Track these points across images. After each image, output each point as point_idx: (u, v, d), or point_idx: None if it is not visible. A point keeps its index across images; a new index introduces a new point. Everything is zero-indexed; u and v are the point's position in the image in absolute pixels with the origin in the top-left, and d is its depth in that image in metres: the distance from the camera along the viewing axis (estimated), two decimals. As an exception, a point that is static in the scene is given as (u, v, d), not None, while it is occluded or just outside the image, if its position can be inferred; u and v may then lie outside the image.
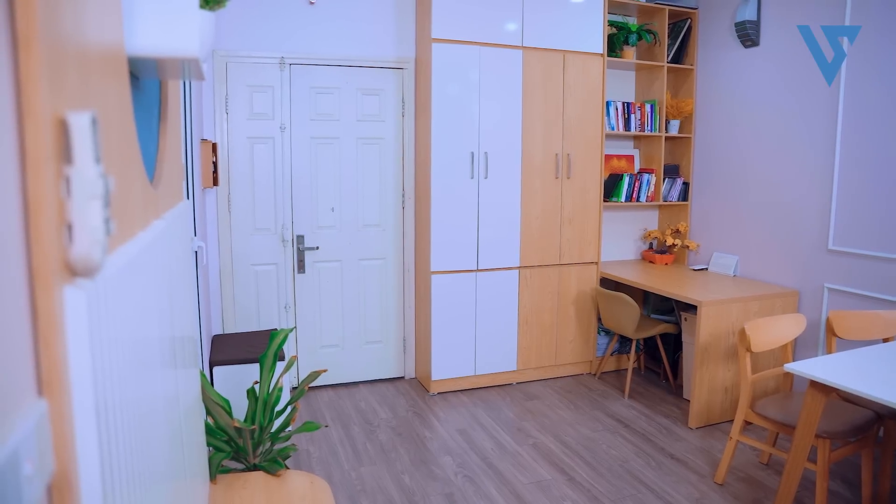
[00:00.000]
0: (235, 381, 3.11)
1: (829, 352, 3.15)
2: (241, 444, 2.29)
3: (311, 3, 4.06)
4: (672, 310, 4.61)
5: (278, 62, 4.04)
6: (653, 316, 4.72)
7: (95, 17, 0.78)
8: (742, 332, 2.94)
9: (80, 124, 0.62)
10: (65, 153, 0.62)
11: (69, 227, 0.61)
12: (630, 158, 4.92)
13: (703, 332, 3.69)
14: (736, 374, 3.83)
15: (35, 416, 0.54)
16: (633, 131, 4.67)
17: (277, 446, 2.45)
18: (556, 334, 4.56)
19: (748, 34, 4.13)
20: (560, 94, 4.36)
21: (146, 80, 1.23)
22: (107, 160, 0.75)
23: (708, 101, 4.62)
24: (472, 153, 4.17)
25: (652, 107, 4.70)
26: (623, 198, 4.70)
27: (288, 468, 2.23)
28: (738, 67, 4.33)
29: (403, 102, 4.35)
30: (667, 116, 4.74)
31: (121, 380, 0.75)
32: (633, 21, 4.82)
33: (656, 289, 4.04)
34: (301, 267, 4.26)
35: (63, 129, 0.61)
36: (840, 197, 3.64)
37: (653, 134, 4.70)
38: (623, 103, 4.66)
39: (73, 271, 0.63)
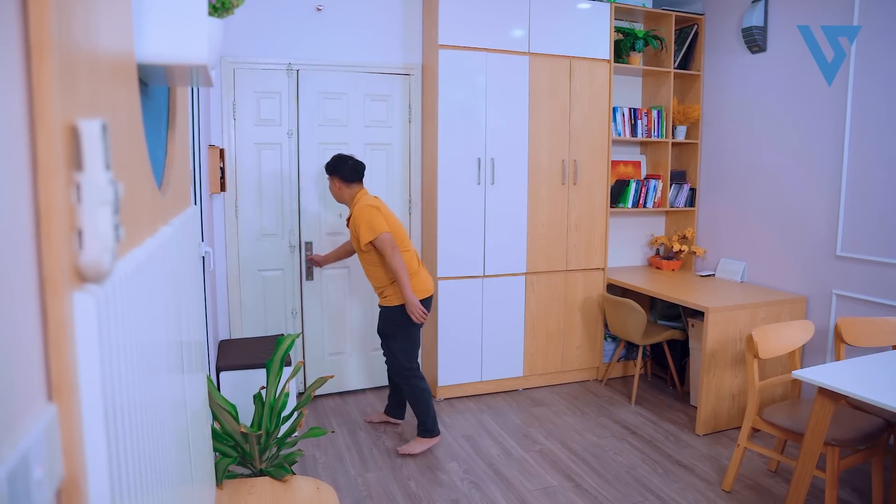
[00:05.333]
0: (242, 387, 3.11)
1: (838, 358, 3.12)
2: (247, 450, 2.29)
3: (319, 10, 4.08)
4: (679, 316, 4.59)
5: (286, 68, 4.06)
6: (660, 322, 4.70)
7: (106, 26, 0.79)
8: (749, 339, 2.93)
9: (90, 131, 0.62)
10: (75, 160, 0.62)
11: (79, 233, 0.62)
12: (637, 164, 4.92)
13: (711, 339, 3.67)
14: (743, 380, 3.81)
15: (45, 420, 0.54)
16: (639, 137, 4.67)
17: (284, 452, 2.45)
18: (562, 340, 4.55)
19: (755, 40, 4.13)
20: (567, 101, 4.36)
21: (155, 86, 1.24)
22: (116, 167, 0.76)
23: (715, 107, 4.61)
24: (479, 159, 4.17)
25: (659, 113, 4.70)
26: (630, 204, 4.69)
27: (294, 474, 2.23)
28: (745, 73, 4.32)
29: (410, 108, 4.36)
30: (673, 122, 4.73)
31: (129, 384, 0.76)
32: (639, 27, 4.82)
33: (663, 295, 4.03)
34: (309, 273, 4.27)
35: (74, 137, 0.62)
36: (848, 202, 3.62)
37: (659, 140, 4.70)
38: (630, 109, 4.65)
39: (83, 277, 0.64)
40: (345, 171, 3.39)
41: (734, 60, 4.41)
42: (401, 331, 3.41)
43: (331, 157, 3.46)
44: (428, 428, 3.50)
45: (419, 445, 3.49)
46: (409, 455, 3.45)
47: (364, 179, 4.29)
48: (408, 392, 3.48)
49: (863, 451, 2.78)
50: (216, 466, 2.08)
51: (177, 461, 1.11)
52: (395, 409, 3.85)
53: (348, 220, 3.44)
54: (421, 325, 3.44)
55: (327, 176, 3.46)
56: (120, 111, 0.85)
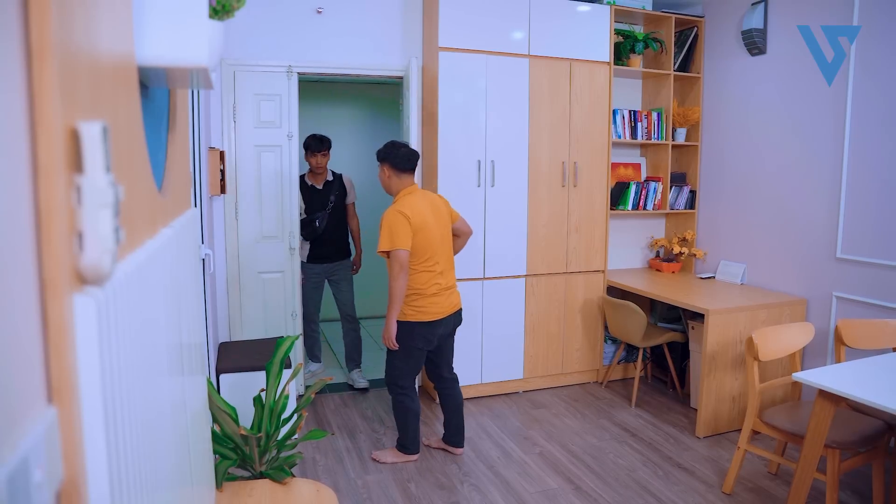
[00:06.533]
0: (242, 389, 3.11)
1: (838, 361, 3.12)
2: (247, 452, 2.29)
3: (319, 12, 4.08)
4: (679, 318, 4.59)
5: (286, 71, 4.06)
6: (660, 324, 4.70)
7: (107, 28, 0.79)
8: (750, 341, 2.93)
9: (91, 134, 0.62)
10: (76, 162, 0.62)
11: (79, 236, 0.62)
12: (637, 166, 4.92)
13: (711, 341, 3.67)
14: (744, 382, 3.80)
15: (45, 423, 0.54)
16: (639, 139, 4.67)
17: (283, 454, 2.44)
18: (562, 343, 4.54)
19: (755, 42, 4.13)
20: (567, 103, 4.37)
21: (155, 88, 1.24)
22: (116, 169, 0.76)
23: (715, 110, 4.62)
24: (479, 161, 4.17)
25: (659, 115, 4.70)
26: (630, 206, 4.69)
27: (294, 476, 2.23)
28: (744, 75, 4.33)
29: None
30: (673, 124, 4.73)
31: (129, 387, 0.76)
32: (639, 29, 4.83)
33: (663, 297, 4.03)
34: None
35: (74, 139, 0.62)
36: (848, 204, 3.62)
37: (659, 142, 4.70)
38: (630, 111, 4.66)
39: (83, 279, 0.64)
40: (397, 158, 3.18)
41: (734, 63, 4.41)
42: (400, 348, 3.21)
43: (384, 143, 3.30)
44: (404, 444, 3.38)
45: (391, 456, 3.39)
46: (380, 461, 3.38)
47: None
48: (393, 406, 3.35)
49: (863, 453, 2.78)
50: (216, 469, 2.08)
51: (177, 463, 1.10)
52: (453, 437, 3.51)
53: None
54: (424, 347, 3.23)
55: (378, 163, 3.27)
56: (120, 113, 0.85)
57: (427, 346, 3.24)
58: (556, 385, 4.59)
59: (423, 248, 3.13)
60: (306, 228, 4.36)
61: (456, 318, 3.35)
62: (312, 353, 4.67)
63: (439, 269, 3.21)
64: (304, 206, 4.44)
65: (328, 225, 4.42)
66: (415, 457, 3.41)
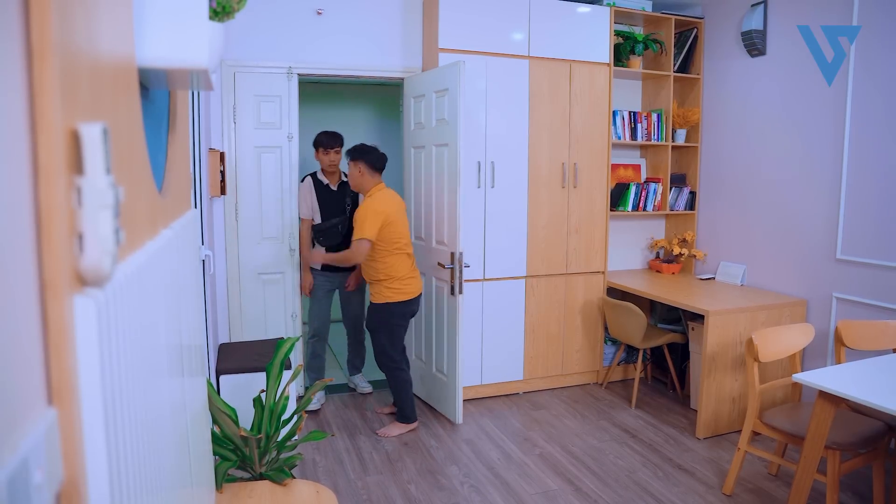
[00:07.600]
0: (242, 390, 3.10)
1: (838, 362, 3.12)
2: (247, 453, 2.29)
3: (319, 14, 4.08)
4: (679, 319, 4.59)
5: (286, 72, 4.06)
6: (660, 325, 4.70)
7: (107, 30, 0.79)
8: (750, 342, 2.93)
9: (91, 136, 0.62)
10: (76, 164, 0.62)
11: (80, 237, 0.62)
12: (637, 167, 4.92)
13: (711, 342, 3.67)
14: (744, 383, 3.80)
15: (45, 424, 0.54)
16: (639, 140, 4.67)
17: (283, 455, 2.44)
18: (562, 344, 4.54)
19: (755, 43, 4.13)
20: (567, 104, 4.37)
21: (155, 90, 1.24)
22: (117, 170, 0.76)
23: (714, 111, 4.62)
24: (479, 162, 4.17)
25: (658, 116, 4.70)
26: (630, 207, 4.69)
27: (294, 477, 2.23)
28: (744, 76, 4.33)
29: (410, 112, 4.36)
30: (673, 125, 4.73)
31: (129, 388, 0.76)
32: (639, 31, 4.83)
33: (663, 298, 4.02)
34: (459, 287, 4.12)
35: (75, 141, 0.62)
36: (848, 205, 3.62)
37: (659, 143, 4.70)
38: (629, 112, 4.66)
39: (83, 280, 0.64)
40: (372, 158, 3.64)
41: (734, 64, 4.41)
42: (383, 326, 3.69)
43: (353, 146, 3.70)
44: (406, 415, 3.81)
45: (397, 429, 3.79)
46: (387, 436, 3.73)
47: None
48: (390, 381, 3.80)
49: (863, 454, 2.78)
50: (216, 470, 2.08)
51: (177, 465, 1.10)
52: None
53: (353, 211, 3.75)
54: (403, 323, 3.75)
55: (349, 161, 3.67)
56: (121, 115, 0.85)
57: (404, 322, 3.75)
58: (556, 386, 4.59)
59: (397, 236, 3.62)
60: (326, 235, 4.05)
61: (420, 301, 3.84)
62: (320, 376, 4.26)
63: (411, 253, 3.74)
64: (316, 208, 4.11)
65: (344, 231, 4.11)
66: (415, 423, 3.85)
